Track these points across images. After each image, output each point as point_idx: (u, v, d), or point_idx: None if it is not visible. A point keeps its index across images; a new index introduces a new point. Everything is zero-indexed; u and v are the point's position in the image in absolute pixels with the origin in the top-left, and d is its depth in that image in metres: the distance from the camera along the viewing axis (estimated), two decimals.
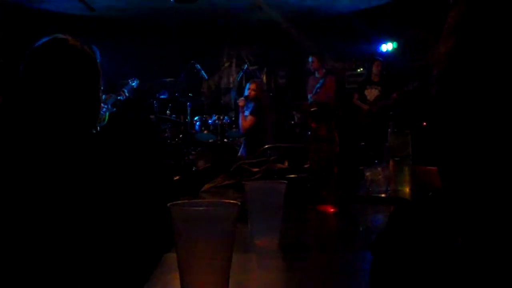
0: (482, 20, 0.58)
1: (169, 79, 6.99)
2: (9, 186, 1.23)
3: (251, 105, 6.08)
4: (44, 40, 1.43)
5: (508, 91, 0.54)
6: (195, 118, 6.80)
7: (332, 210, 1.50)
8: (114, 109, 5.88)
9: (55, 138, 1.34)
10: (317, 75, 7.15)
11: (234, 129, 6.82)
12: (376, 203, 1.68)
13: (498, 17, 0.56)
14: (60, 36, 1.44)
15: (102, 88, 1.53)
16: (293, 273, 0.99)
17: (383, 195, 1.74)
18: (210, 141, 6.50)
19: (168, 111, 6.86)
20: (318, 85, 7.04)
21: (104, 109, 5.78)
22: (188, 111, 6.85)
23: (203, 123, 6.72)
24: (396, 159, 1.84)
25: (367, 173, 1.80)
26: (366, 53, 8.17)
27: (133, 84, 6.35)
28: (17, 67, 1.41)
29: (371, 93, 7.01)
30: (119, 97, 5.99)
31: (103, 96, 5.91)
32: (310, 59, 7.16)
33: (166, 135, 6.60)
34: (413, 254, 0.63)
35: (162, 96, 6.92)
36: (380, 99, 6.87)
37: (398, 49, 8.26)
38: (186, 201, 0.80)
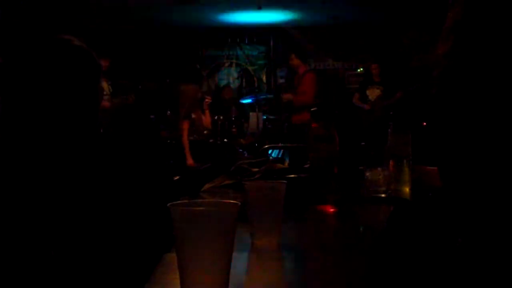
0: (481, 20, 0.58)
1: (169, 79, 6.99)
2: (10, 185, 1.23)
3: None
4: (47, 39, 1.43)
5: (507, 91, 0.54)
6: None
7: (332, 210, 1.50)
8: None
9: (54, 138, 1.34)
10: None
11: (234, 129, 6.83)
12: (376, 203, 1.68)
13: (496, 17, 0.56)
14: (64, 36, 1.44)
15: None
16: (293, 273, 0.99)
17: (383, 195, 1.74)
18: (210, 141, 6.50)
19: (168, 111, 6.86)
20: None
21: None
22: None
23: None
24: (396, 159, 1.83)
25: (367, 173, 1.80)
26: (366, 53, 8.17)
27: None
28: (17, 67, 1.41)
29: (373, 93, 7.01)
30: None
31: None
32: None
33: (166, 135, 6.60)
34: (413, 254, 0.63)
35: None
36: (382, 99, 6.87)
37: (398, 49, 8.26)
38: (186, 201, 0.80)
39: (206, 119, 6.01)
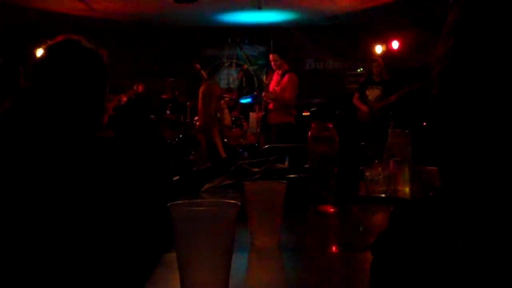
0: (482, 19, 0.58)
1: (169, 79, 7.00)
2: (10, 185, 1.23)
3: None
4: (57, 40, 1.43)
5: (508, 91, 0.54)
6: (195, 118, 6.80)
7: (332, 210, 1.50)
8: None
9: (58, 138, 1.34)
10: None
11: (234, 129, 6.84)
12: (376, 203, 1.68)
13: (497, 16, 0.56)
14: (73, 37, 1.44)
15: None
16: (293, 273, 0.99)
17: (383, 195, 1.74)
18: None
19: (168, 111, 6.86)
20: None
21: None
22: (188, 111, 6.86)
23: None
24: (396, 159, 1.83)
25: (367, 173, 1.80)
26: (366, 53, 8.17)
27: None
28: (17, 67, 1.41)
29: (373, 93, 7.00)
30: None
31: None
32: (270, 56, 6.66)
33: (166, 135, 6.60)
34: (413, 254, 0.63)
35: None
36: (381, 99, 6.87)
37: (398, 49, 8.27)
38: (186, 201, 0.80)
39: (226, 117, 6.00)
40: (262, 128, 6.50)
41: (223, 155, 5.59)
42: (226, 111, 6.15)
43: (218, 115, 5.77)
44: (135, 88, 6.44)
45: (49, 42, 1.43)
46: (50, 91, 1.38)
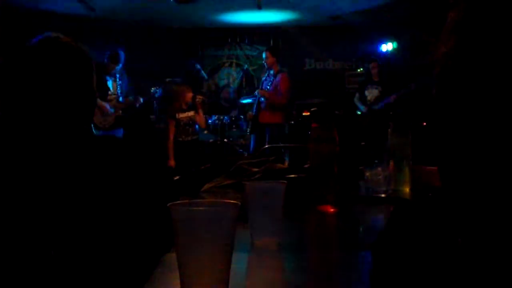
0: (483, 19, 0.58)
1: (169, 79, 7.00)
2: (8, 185, 1.23)
3: None
4: (35, 38, 1.42)
5: (508, 91, 0.54)
6: None
7: (332, 210, 1.50)
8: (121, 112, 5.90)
9: (52, 137, 1.34)
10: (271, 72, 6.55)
11: (234, 129, 6.84)
12: (376, 203, 1.68)
13: (498, 16, 0.56)
14: (52, 34, 1.43)
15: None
16: (293, 273, 0.99)
17: (383, 195, 1.74)
18: (210, 141, 6.51)
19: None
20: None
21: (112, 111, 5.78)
22: None
23: None
24: (396, 159, 1.83)
25: (367, 173, 1.80)
26: (366, 53, 8.17)
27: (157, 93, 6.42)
28: (8, 66, 1.40)
29: (371, 93, 7.01)
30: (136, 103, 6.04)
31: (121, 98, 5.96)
32: (264, 54, 6.61)
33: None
34: (413, 254, 0.63)
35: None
36: (380, 99, 6.87)
37: (398, 49, 8.26)
38: (186, 201, 0.80)
39: (200, 118, 5.93)
40: (252, 128, 6.45)
41: (172, 163, 5.47)
42: (200, 111, 6.03)
43: (180, 116, 5.72)
44: (153, 90, 6.43)
45: (28, 42, 1.42)
46: (36, 91, 1.37)
